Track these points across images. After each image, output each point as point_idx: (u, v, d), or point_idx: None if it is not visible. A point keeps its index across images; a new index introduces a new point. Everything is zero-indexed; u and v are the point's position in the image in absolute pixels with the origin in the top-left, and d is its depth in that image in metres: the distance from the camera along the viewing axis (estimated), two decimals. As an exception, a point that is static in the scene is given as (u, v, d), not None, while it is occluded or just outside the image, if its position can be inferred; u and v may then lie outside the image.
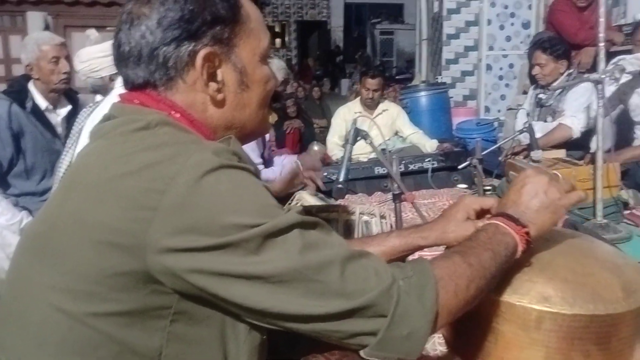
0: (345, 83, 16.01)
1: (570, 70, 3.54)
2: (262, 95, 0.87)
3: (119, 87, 1.98)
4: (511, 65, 7.28)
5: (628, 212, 2.63)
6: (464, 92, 7.52)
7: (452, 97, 7.29)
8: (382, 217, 1.59)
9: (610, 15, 4.31)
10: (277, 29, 20.04)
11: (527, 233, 0.84)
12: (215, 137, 0.82)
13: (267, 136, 5.56)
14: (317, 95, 7.77)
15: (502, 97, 7.39)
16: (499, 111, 7.32)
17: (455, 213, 0.99)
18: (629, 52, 3.28)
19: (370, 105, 4.18)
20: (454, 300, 0.73)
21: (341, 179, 2.09)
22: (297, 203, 1.60)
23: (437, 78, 7.02)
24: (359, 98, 4.34)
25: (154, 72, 0.78)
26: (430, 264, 0.75)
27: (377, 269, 0.70)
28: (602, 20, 2.34)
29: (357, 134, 1.95)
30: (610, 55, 3.91)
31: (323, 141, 6.84)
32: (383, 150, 4.44)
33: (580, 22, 4.02)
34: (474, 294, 0.76)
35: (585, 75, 2.55)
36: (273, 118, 6.74)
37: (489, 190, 3.26)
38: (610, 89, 3.01)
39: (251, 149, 2.69)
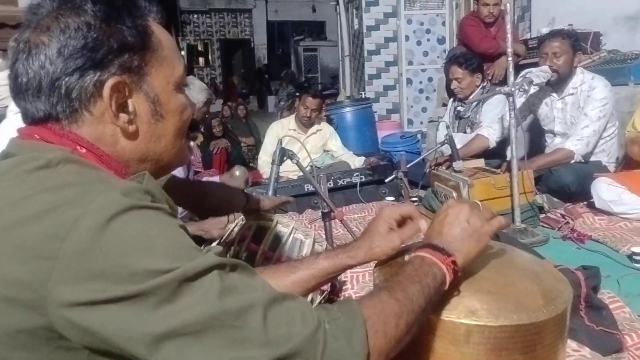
0: (271, 100, 16.02)
1: (484, 84, 3.73)
2: (179, 125, 0.82)
3: (11, 117, 1.84)
4: (430, 79, 7.57)
5: (543, 215, 2.79)
6: (388, 106, 7.72)
7: (376, 112, 7.49)
8: (317, 242, 1.57)
9: (517, 29, 4.59)
10: (200, 48, 19.82)
11: (454, 262, 0.84)
12: (128, 172, 0.77)
13: (192, 157, 5.43)
14: (242, 113, 7.70)
15: (424, 109, 7.66)
16: (421, 123, 7.58)
17: (377, 227, 0.99)
18: (535, 64, 3.49)
19: (306, 123, 4.17)
20: (383, 340, 0.70)
21: (270, 192, 2.07)
22: (235, 225, 1.56)
23: (361, 94, 7.17)
24: (294, 115, 4.31)
25: (55, 104, 0.72)
26: (358, 304, 0.72)
27: (303, 312, 0.66)
28: (509, 35, 2.48)
29: (284, 154, 1.93)
30: (519, 68, 4.16)
31: (251, 159, 6.80)
32: (313, 167, 4.46)
33: (486, 34, 4.25)
34: (404, 330, 0.73)
35: (498, 88, 2.68)
36: (199, 139, 6.60)
37: (415, 201, 3.36)
38: (520, 100, 3.19)
39: (177, 170, 2.62)
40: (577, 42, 3.06)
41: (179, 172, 2.71)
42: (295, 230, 1.56)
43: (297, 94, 14.46)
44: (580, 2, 4.62)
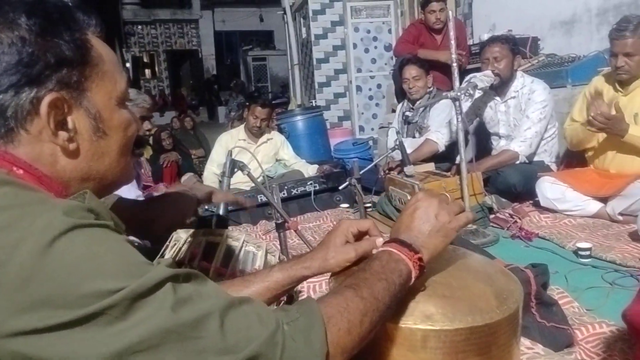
0: (222, 111, 15.86)
1: (431, 89, 3.82)
2: (123, 141, 0.79)
3: None
4: (379, 86, 7.68)
5: (493, 216, 2.86)
6: (339, 114, 7.78)
7: (327, 119, 7.53)
8: (269, 252, 1.55)
9: (465, 35, 4.71)
10: (145, 60, 19.41)
11: (420, 259, 0.85)
12: (69, 192, 0.73)
13: (141, 171, 5.26)
14: (189, 125, 7.57)
15: (374, 115, 7.76)
16: (372, 129, 7.69)
17: (334, 239, 0.99)
18: (479, 69, 3.60)
19: (256, 133, 4.12)
20: (347, 338, 0.71)
21: (221, 212, 2.03)
22: (174, 244, 1.51)
23: (311, 102, 7.19)
24: (243, 125, 4.25)
25: None
26: (320, 302, 0.72)
27: (260, 315, 0.66)
28: (452, 42, 2.55)
29: (234, 166, 1.90)
30: (463, 74, 4.28)
31: (203, 170, 6.68)
32: (265, 177, 4.41)
33: (407, 40, 4.38)
34: (369, 327, 0.74)
35: (444, 93, 2.74)
36: (147, 152, 6.44)
37: (369, 207, 3.38)
38: (466, 105, 3.29)
39: (127, 186, 2.53)
40: (516, 46, 3.18)
41: (128, 189, 2.62)
42: (247, 243, 1.52)
43: (247, 103, 14.38)
44: (518, 9, 4.81)
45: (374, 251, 0.90)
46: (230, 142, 4.13)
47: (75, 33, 0.72)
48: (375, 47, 7.67)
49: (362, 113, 7.76)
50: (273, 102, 13.63)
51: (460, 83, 4.47)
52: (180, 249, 1.46)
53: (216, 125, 14.79)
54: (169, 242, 1.54)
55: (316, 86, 7.73)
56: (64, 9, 0.73)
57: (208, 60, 19.43)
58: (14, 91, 0.67)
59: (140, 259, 0.64)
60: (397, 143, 2.98)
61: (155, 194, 3.77)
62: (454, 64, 2.54)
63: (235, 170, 1.92)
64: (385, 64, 7.56)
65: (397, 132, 3.07)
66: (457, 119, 2.58)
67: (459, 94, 2.53)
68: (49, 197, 0.67)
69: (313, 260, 0.98)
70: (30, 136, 0.70)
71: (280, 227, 1.97)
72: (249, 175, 1.89)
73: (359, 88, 7.72)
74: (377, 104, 7.75)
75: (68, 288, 0.56)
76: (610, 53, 2.65)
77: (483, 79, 2.95)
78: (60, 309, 0.56)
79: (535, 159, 3.15)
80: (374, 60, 7.69)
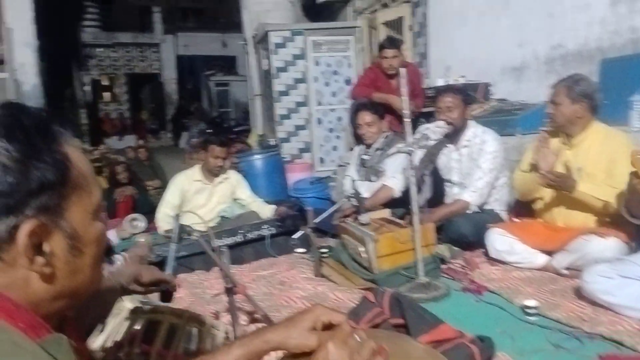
0: (184, 136, 15.66)
1: (387, 133, 3.88)
2: (97, 254, 0.76)
3: None
4: (339, 119, 7.75)
5: (445, 266, 2.90)
6: (299, 146, 7.79)
7: (285, 157, 7.54)
8: (214, 327, 1.50)
9: (421, 80, 4.82)
10: (105, 82, 19.06)
11: None
12: (39, 313, 0.69)
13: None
14: (144, 156, 7.42)
15: (335, 148, 7.81)
16: (332, 161, 7.73)
17: (302, 321, 0.96)
18: (432, 113, 3.66)
19: (218, 173, 4.06)
20: None
21: (168, 271, 1.98)
22: (118, 312, 1.45)
23: (269, 141, 7.17)
24: (199, 165, 4.18)
25: None
26: None
27: None
28: (405, 98, 2.59)
29: (182, 231, 1.86)
30: (419, 117, 4.36)
31: (158, 202, 6.54)
32: (222, 217, 4.35)
33: (364, 83, 4.48)
34: None
35: (397, 146, 2.78)
36: (102, 185, 6.26)
37: (324, 252, 3.37)
38: (421, 151, 3.35)
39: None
40: (468, 96, 3.28)
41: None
42: (189, 319, 1.48)
43: (209, 130, 14.22)
44: (471, 54, 4.97)
45: (324, 337, 0.87)
46: (185, 182, 4.07)
47: (55, 152, 0.69)
48: (336, 81, 7.77)
49: (322, 145, 7.80)
50: (235, 129, 13.65)
51: (414, 128, 4.60)
52: (118, 330, 1.40)
53: (177, 151, 14.58)
54: (110, 315, 1.48)
55: (277, 118, 7.75)
56: (42, 124, 0.70)
57: (169, 84, 19.23)
58: None
59: None
60: (353, 192, 3.01)
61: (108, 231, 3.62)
62: (407, 120, 2.58)
63: (184, 235, 1.88)
64: (346, 97, 7.65)
65: (353, 180, 3.08)
66: (409, 172, 2.62)
67: (410, 149, 2.57)
68: (15, 342, 0.63)
69: (274, 334, 0.95)
70: (3, 264, 0.66)
71: (230, 292, 1.93)
72: (199, 239, 1.85)
73: (319, 120, 7.77)
74: (337, 137, 7.82)
75: None
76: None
77: (436, 130, 3.01)
78: None
79: (487, 207, 3.22)
80: (334, 94, 7.78)
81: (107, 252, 2.90)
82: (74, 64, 15.46)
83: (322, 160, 7.76)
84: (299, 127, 7.84)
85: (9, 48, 9.56)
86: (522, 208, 3.20)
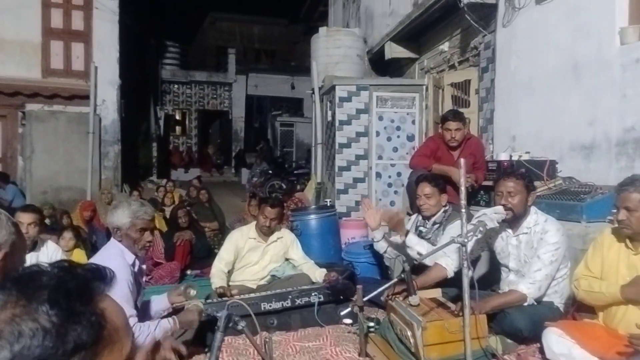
0: (245, 173, 16.09)
1: (446, 207, 3.82)
2: None
3: None
4: (399, 174, 7.74)
5: (496, 361, 2.77)
6: (357, 198, 7.81)
7: (343, 205, 7.57)
8: None
9: (483, 151, 4.74)
10: (177, 117, 20.03)
11: None
12: None
13: (152, 248, 5.25)
14: (205, 198, 7.65)
15: (392, 203, 7.77)
16: (389, 217, 7.68)
17: None
18: (493, 187, 3.54)
19: (266, 232, 4.15)
20: None
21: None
22: None
23: (326, 201, 7.19)
24: (254, 223, 4.28)
25: None
26: None
27: None
28: (462, 188, 2.55)
29: (229, 321, 1.90)
30: (479, 189, 4.27)
31: (217, 244, 6.68)
32: (273, 276, 4.39)
33: (426, 154, 4.45)
34: None
35: (451, 237, 2.73)
36: (163, 227, 6.51)
37: (372, 327, 3.30)
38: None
39: (125, 300, 2.53)
40: (531, 183, 3.18)
41: (128, 301, 2.62)
42: None
43: (270, 172, 14.50)
44: (538, 126, 4.86)
45: None
46: (240, 239, 4.16)
47: (92, 314, 0.72)
48: (398, 137, 7.80)
49: (380, 199, 7.79)
50: (295, 171, 13.86)
51: (473, 200, 4.50)
52: None
53: (239, 187, 14.97)
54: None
55: (336, 169, 7.83)
56: (84, 286, 0.74)
57: (237, 121, 19.95)
58: None
59: None
60: (405, 272, 2.96)
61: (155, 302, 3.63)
62: (463, 210, 2.53)
63: (230, 324, 1.91)
64: (407, 153, 7.64)
65: (404, 261, 3.04)
66: (463, 264, 2.55)
67: (466, 240, 2.52)
68: None
69: None
70: None
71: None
72: (244, 331, 1.88)
73: (378, 174, 7.79)
74: (395, 192, 7.79)
75: None
76: (615, 206, 2.64)
77: (493, 216, 2.94)
78: None
79: (545, 299, 3.07)
80: (395, 149, 7.80)
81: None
82: (151, 99, 16.39)
83: (378, 215, 7.73)
84: (358, 180, 7.87)
85: (93, 85, 10.28)
86: (583, 304, 3.02)
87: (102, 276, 0.79)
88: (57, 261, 0.79)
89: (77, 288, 0.73)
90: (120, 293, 2.42)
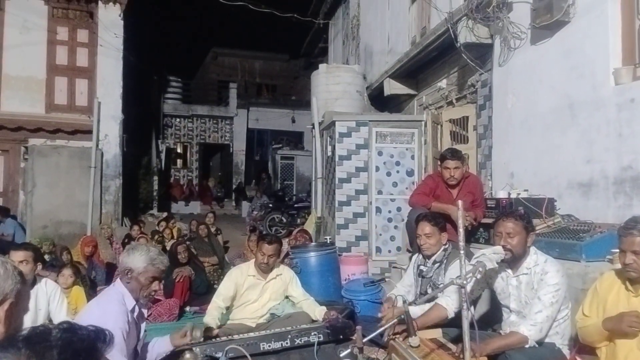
0: (245, 206, 16.11)
1: (446, 246, 3.82)
2: None
3: None
4: (399, 209, 7.75)
5: (497, 407, 2.73)
6: (357, 233, 7.81)
7: (343, 240, 7.56)
8: None
9: (481, 189, 4.77)
10: (179, 150, 20.17)
11: None
12: None
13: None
14: (204, 233, 7.68)
15: (392, 237, 7.77)
16: (389, 251, 7.66)
17: None
18: (492, 225, 3.55)
19: (265, 269, 4.15)
20: None
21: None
22: None
23: (325, 238, 7.22)
24: (253, 261, 4.29)
25: None
26: None
27: None
28: (461, 237, 2.56)
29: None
30: (478, 227, 4.27)
31: (216, 279, 6.65)
32: (272, 315, 4.37)
33: (424, 192, 4.47)
34: None
35: (451, 279, 2.73)
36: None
37: (373, 366, 3.28)
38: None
39: (118, 350, 2.46)
40: (530, 223, 3.18)
41: (162, 341, 2.55)
42: None
43: (271, 205, 14.51)
44: (536, 163, 4.90)
45: None
46: (240, 277, 4.16)
47: None
48: (398, 172, 7.85)
49: (380, 234, 7.78)
50: (296, 205, 13.87)
51: (472, 238, 4.50)
52: None
53: (240, 220, 14.97)
54: None
55: (336, 204, 7.85)
56: (90, 346, 0.78)
57: (238, 154, 20.08)
58: None
59: None
60: (404, 314, 2.95)
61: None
62: (462, 252, 2.54)
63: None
64: (407, 188, 7.68)
65: (404, 301, 3.03)
66: (463, 305, 2.54)
67: (464, 282, 2.52)
68: None
69: None
70: None
71: None
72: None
73: (378, 209, 7.81)
74: (395, 227, 7.79)
75: None
76: (619, 249, 2.64)
77: (492, 257, 2.94)
78: None
79: (546, 340, 3.04)
80: (395, 184, 7.84)
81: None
82: (153, 133, 16.54)
83: (378, 249, 7.72)
84: (358, 215, 7.88)
85: (96, 120, 10.41)
86: (585, 345, 3.00)
87: (104, 337, 0.82)
88: (60, 323, 0.82)
89: (85, 348, 0.77)
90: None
